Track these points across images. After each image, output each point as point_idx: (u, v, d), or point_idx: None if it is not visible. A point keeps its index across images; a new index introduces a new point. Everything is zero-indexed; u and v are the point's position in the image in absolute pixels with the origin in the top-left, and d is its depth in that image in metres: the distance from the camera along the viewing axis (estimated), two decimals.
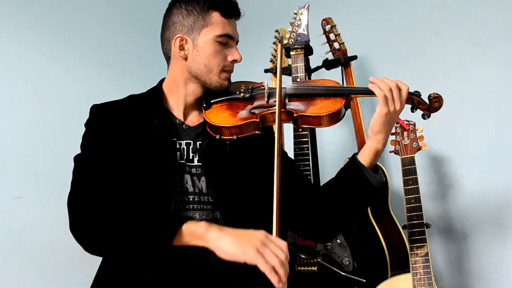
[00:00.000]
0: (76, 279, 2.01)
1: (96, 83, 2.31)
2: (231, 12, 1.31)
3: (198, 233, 1.10)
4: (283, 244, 1.06)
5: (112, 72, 2.41)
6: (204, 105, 1.33)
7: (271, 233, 1.09)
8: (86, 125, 1.31)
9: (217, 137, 1.28)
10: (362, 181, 1.27)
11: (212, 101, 1.33)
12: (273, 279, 1.02)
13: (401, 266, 1.77)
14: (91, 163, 1.24)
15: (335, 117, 1.26)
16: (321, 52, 2.06)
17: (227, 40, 1.30)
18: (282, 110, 1.27)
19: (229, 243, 1.07)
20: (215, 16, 1.29)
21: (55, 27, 2.23)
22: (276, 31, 2.09)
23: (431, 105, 1.30)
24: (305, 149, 1.86)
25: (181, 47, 1.30)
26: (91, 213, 1.18)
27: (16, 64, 2.07)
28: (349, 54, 2.02)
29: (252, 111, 1.30)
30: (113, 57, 2.44)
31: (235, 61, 1.32)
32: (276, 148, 1.17)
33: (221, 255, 1.07)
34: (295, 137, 1.87)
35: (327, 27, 2.00)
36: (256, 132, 1.28)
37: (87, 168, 1.24)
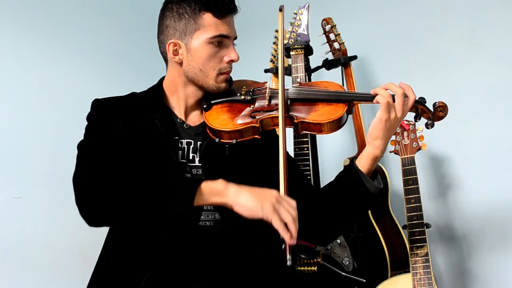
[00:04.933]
0: (76, 279, 2.01)
1: (96, 83, 2.31)
2: (224, 11, 1.25)
3: (217, 190, 1.11)
4: (294, 202, 1.10)
5: (112, 72, 2.41)
6: (205, 106, 1.31)
7: None
8: (87, 118, 1.29)
9: (217, 140, 1.26)
10: (359, 187, 1.24)
11: (212, 102, 1.31)
12: (286, 235, 1.06)
13: (401, 266, 1.77)
14: (95, 148, 1.23)
15: (336, 124, 1.24)
16: (321, 52, 2.06)
17: (222, 40, 1.26)
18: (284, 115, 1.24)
19: (248, 199, 1.09)
20: (207, 17, 1.24)
21: (55, 27, 2.24)
22: (276, 31, 2.08)
23: (435, 114, 1.26)
24: (305, 149, 1.86)
25: (175, 52, 1.28)
26: (99, 184, 1.14)
27: (16, 64, 2.08)
28: (349, 54, 2.02)
29: (252, 114, 1.27)
30: (113, 57, 2.44)
31: (232, 61, 1.28)
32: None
33: (240, 210, 1.09)
34: (295, 137, 1.87)
35: (327, 27, 2.00)
36: (256, 136, 1.26)
37: (91, 151, 1.23)
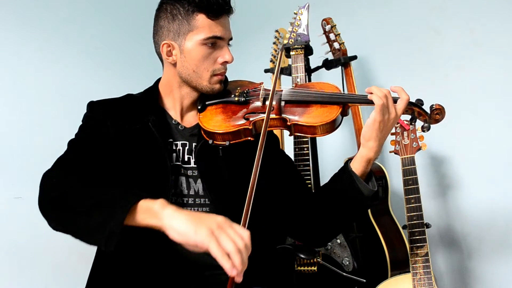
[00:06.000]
0: (76, 279, 2.01)
1: (95, 83, 2.31)
2: (218, 12, 1.23)
3: (153, 210, 1.01)
4: (245, 233, 0.97)
5: (111, 72, 2.41)
6: (199, 107, 1.31)
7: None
8: (83, 119, 1.30)
9: (210, 141, 1.25)
10: (353, 190, 1.23)
11: (207, 103, 1.31)
12: (226, 264, 0.92)
13: (401, 266, 1.77)
14: (77, 149, 1.24)
15: (330, 127, 1.22)
16: (321, 52, 2.06)
17: (216, 42, 1.25)
18: (277, 117, 1.24)
19: (182, 222, 0.98)
20: (201, 19, 1.23)
21: (55, 27, 2.24)
22: (276, 31, 2.09)
23: (432, 117, 1.25)
24: (305, 149, 1.86)
25: (169, 53, 1.27)
26: (55, 186, 1.15)
27: (16, 64, 2.08)
28: (349, 54, 2.02)
29: (246, 116, 1.26)
30: (112, 57, 2.44)
31: (226, 62, 1.28)
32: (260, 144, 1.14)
33: (173, 235, 0.98)
34: (295, 137, 1.87)
35: (327, 27, 2.00)
36: (249, 138, 1.25)
37: (71, 152, 1.24)
